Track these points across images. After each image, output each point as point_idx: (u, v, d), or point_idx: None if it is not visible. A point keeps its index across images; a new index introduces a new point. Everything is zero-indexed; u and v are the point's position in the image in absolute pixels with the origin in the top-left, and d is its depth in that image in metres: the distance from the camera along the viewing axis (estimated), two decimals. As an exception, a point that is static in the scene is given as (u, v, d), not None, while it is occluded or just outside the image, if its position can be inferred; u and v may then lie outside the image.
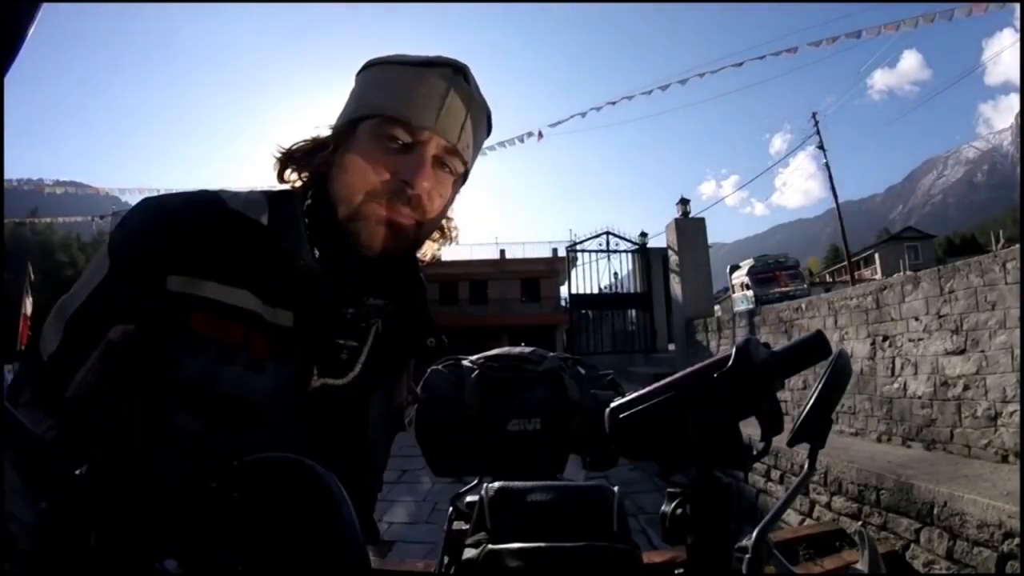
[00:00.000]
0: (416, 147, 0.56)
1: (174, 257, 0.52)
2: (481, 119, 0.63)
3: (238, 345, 0.52)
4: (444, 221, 0.69)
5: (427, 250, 0.71)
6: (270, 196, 0.60)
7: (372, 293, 0.63)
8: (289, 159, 0.62)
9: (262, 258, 0.55)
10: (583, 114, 9.79)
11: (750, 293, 15.46)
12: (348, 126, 0.59)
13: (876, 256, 35.15)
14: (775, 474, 3.65)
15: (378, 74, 0.59)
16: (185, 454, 0.51)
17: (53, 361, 0.52)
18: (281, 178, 0.63)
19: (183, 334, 0.51)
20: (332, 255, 0.58)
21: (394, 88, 0.57)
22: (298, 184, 0.63)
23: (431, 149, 0.57)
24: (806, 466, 0.61)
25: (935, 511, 2.43)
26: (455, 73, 0.58)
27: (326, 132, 0.62)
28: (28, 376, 0.54)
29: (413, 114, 0.55)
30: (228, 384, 0.52)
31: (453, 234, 0.72)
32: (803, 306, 4.83)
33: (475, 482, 0.91)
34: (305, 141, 0.62)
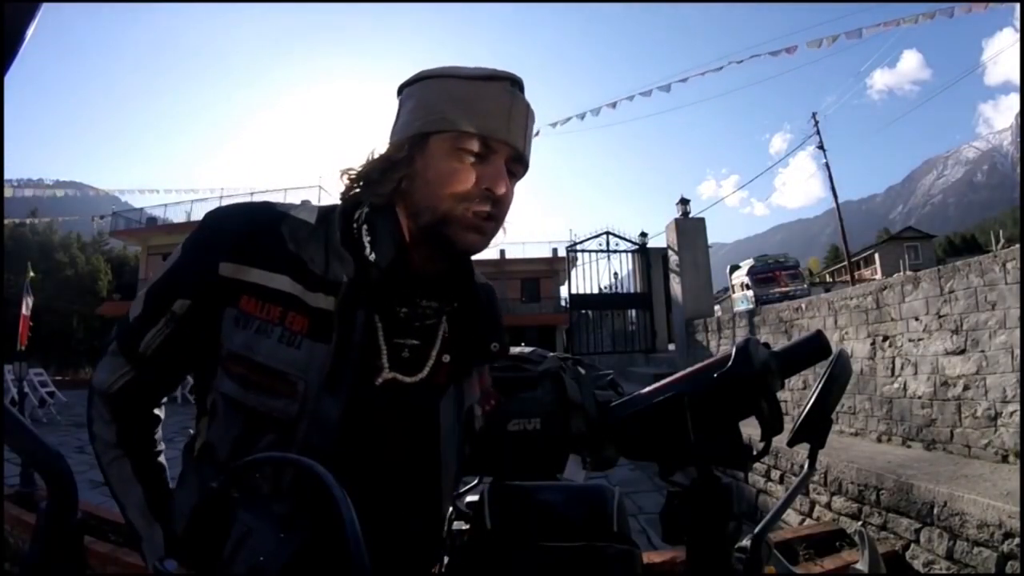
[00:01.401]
0: (491, 157, 0.61)
1: (225, 248, 0.62)
2: (532, 126, 0.67)
3: (275, 323, 0.61)
4: None
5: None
6: (321, 207, 0.69)
7: (428, 296, 0.66)
8: (363, 179, 0.67)
9: (307, 249, 0.63)
10: (581, 116, 9.78)
11: (750, 293, 15.45)
12: (419, 139, 0.62)
13: (876, 256, 35.14)
14: (775, 474, 3.65)
15: (442, 88, 0.62)
16: (225, 413, 0.62)
17: (136, 322, 0.66)
18: (345, 196, 0.68)
19: (233, 312, 0.61)
20: (387, 255, 0.63)
21: (464, 102, 0.61)
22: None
23: (502, 157, 0.62)
24: (806, 466, 0.61)
25: (935, 511, 2.42)
26: (513, 86, 0.63)
27: (381, 149, 0.66)
28: (118, 332, 0.69)
29: (487, 127, 0.60)
30: (263, 355, 0.60)
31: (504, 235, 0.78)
32: (803, 306, 4.82)
33: (475, 482, 0.91)
34: (376, 160, 0.66)
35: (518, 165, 0.65)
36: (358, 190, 0.67)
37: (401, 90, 0.67)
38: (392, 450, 0.65)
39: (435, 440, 0.69)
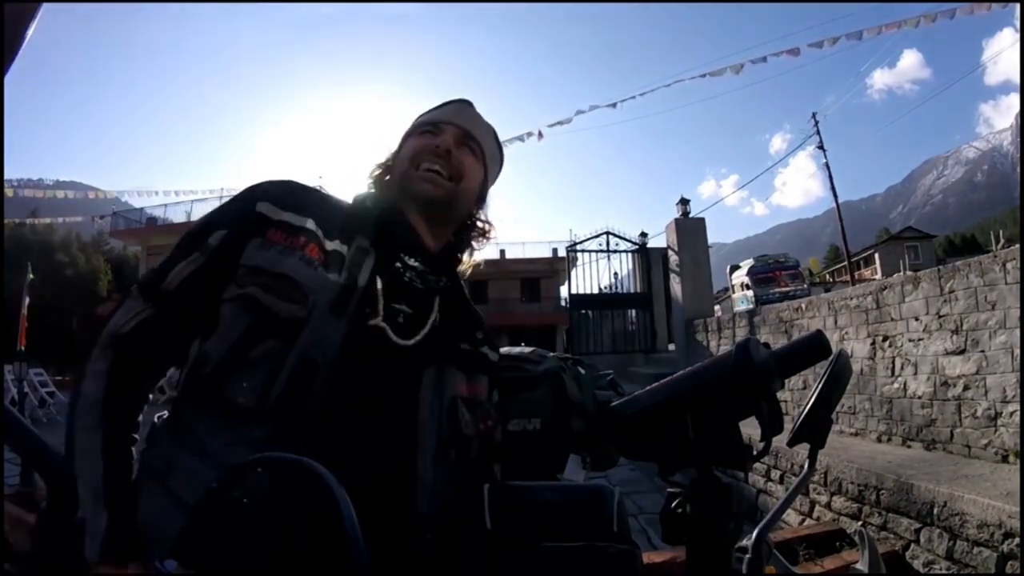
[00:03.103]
0: (442, 130, 0.83)
1: (265, 193, 0.73)
2: (489, 130, 0.89)
3: (298, 248, 0.70)
4: (479, 219, 0.90)
5: (468, 262, 0.90)
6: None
7: (420, 259, 0.78)
8: (384, 168, 0.87)
9: (329, 207, 0.76)
10: (582, 111, 9.78)
11: (750, 293, 15.45)
12: (403, 141, 0.86)
13: (876, 256, 35.16)
14: (775, 474, 3.65)
15: (430, 112, 0.88)
16: (232, 317, 0.67)
17: (162, 265, 0.71)
18: (379, 183, 0.86)
19: (258, 240, 0.69)
20: (382, 213, 0.78)
21: (432, 113, 0.87)
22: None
23: (451, 132, 0.83)
24: (806, 466, 0.61)
25: (935, 511, 2.42)
26: (461, 102, 0.89)
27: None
28: (141, 279, 0.73)
29: (437, 117, 0.85)
30: (284, 267, 0.68)
31: (489, 234, 0.91)
32: (803, 306, 4.82)
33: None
34: (388, 158, 0.87)
35: (471, 141, 0.84)
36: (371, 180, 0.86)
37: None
38: (374, 400, 0.68)
39: (414, 407, 0.71)
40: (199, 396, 0.66)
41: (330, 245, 0.72)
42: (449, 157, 0.80)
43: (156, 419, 0.74)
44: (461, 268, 0.88)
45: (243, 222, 0.71)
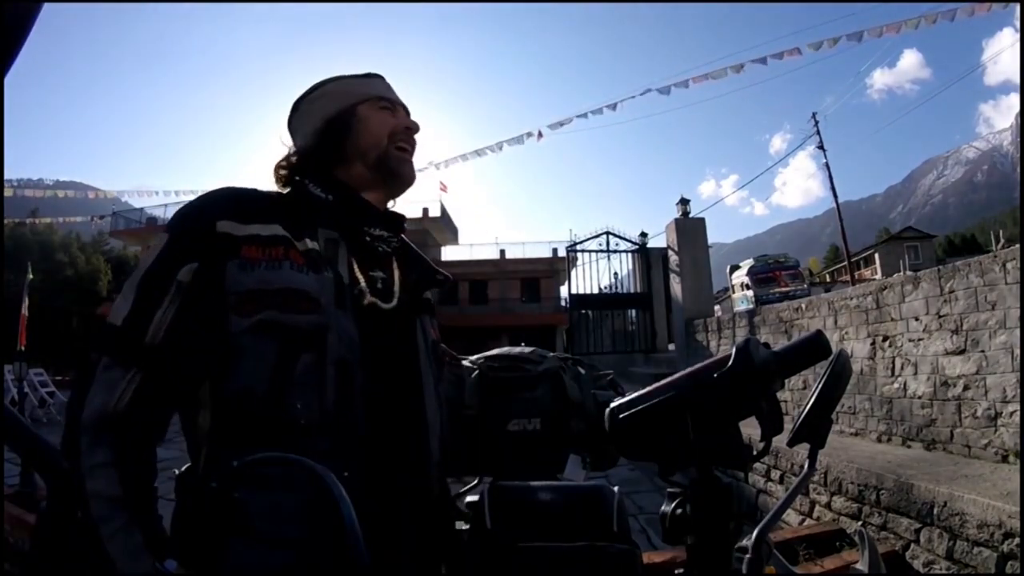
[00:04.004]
0: (398, 108, 0.84)
1: (219, 210, 0.68)
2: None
3: (281, 258, 0.68)
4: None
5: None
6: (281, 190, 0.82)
7: (379, 226, 0.80)
8: (304, 156, 0.82)
9: (283, 208, 0.74)
10: (583, 115, 9.78)
11: (750, 293, 15.44)
12: (346, 115, 0.81)
13: (876, 256, 35.12)
14: (775, 474, 3.65)
15: (348, 82, 0.84)
16: (255, 346, 0.63)
17: (129, 318, 0.63)
18: (294, 176, 0.82)
19: (236, 263, 0.65)
20: (341, 198, 0.78)
21: (361, 85, 0.84)
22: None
23: (401, 108, 0.85)
24: (806, 466, 0.60)
25: (935, 511, 2.42)
26: (381, 76, 0.88)
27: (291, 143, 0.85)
28: (102, 348, 0.62)
29: (386, 92, 0.85)
30: (281, 281, 0.66)
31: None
32: (803, 306, 4.82)
33: (475, 482, 0.91)
34: (313, 140, 0.81)
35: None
36: (297, 167, 0.82)
37: (298, 104, 0.83)
38: (388, 371, 0.73)
39: (415, 359, 0.77)
40: (245, 432, 0.62)
41: (302, 245, 0.71)
42: (411, 137, 0.84)
43: (176, 473, 0.68)
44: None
45: (210, 248, 0.65)
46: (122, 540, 0.56)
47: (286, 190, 0.81)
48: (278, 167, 0.83)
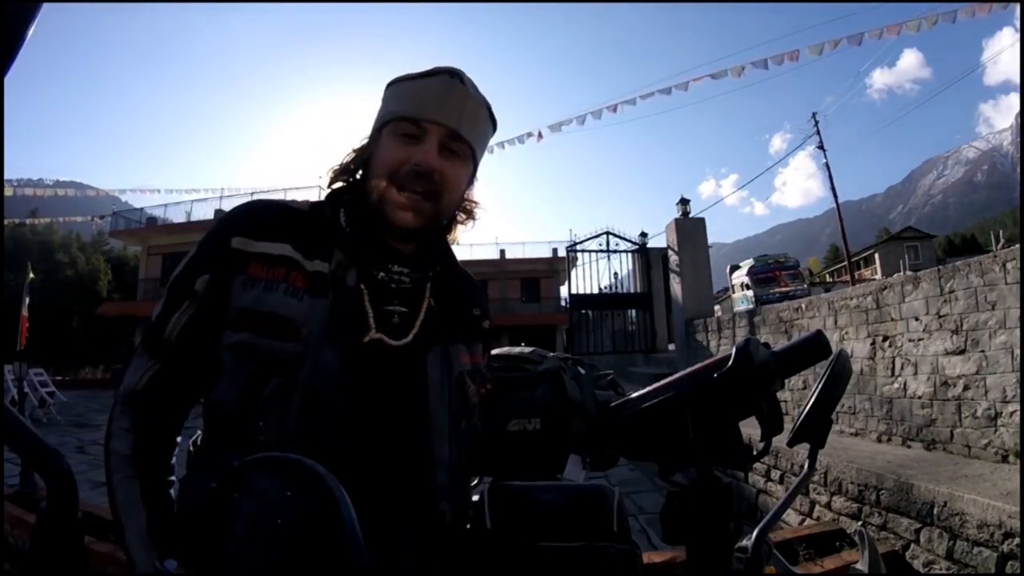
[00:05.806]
0: (425, 137, 0.71)
1: (236, 227, 0.71)
2: (479, 111, 0.75)
3: (280, 280, 0.69)
4: (467, 204, 0.83)
5: (457, 233, 0.85)
6: (314, 201, 0.79)
7: (402, 264, 0.76)
8: (340, 170, 0.79)
9: (302, 227, 0.73)
10: (582, 119, 9.77)
11: (750, 293, 15.44)
12: (376, 134, 0.75)
13: (876, 256, 35.13)
14: (775, 474, 3.65)
15: (394, 89, 0.75)
16: (235, 364, 0.67)
17: (158, 316, 0.72)
18: (331, 186, 0.79)
19: (241, 278, 0.69)
20: (364, 229, 0.74)
21: (404, 95, 0.73)
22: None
23: (435, 136, 0.71)
24: (806, 466, 0.61)
25: (935, 511, 2.42)
26: (451, 76, 0.72)
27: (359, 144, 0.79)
28: (142, 334, 0.74)
29: (418, 110, 0.71)
30: (270, 305, 0.67)
31: (476, 214, 0.85)
32: (803, 306, 4.82)
33: (475, 482, 0.91)
34: (348, 156, 0.79)
35: (458, 143, 0.73)
36: (340, 183, 0.79)
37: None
38: (383, 404, 0.70)
39: (423, 393, 0.73)
40: (221, 436, 0.69)
41: (311, 266, 0.70)
42: (432, 176, 0.71)
43: (191, 445, 0.77)
44: (451, 237, 0.84)
45: (223, 263, 0.70)
46: (124, 488, 0.67)
47: (330, 188, 0.79)
48: (334, 168, 0.79)
